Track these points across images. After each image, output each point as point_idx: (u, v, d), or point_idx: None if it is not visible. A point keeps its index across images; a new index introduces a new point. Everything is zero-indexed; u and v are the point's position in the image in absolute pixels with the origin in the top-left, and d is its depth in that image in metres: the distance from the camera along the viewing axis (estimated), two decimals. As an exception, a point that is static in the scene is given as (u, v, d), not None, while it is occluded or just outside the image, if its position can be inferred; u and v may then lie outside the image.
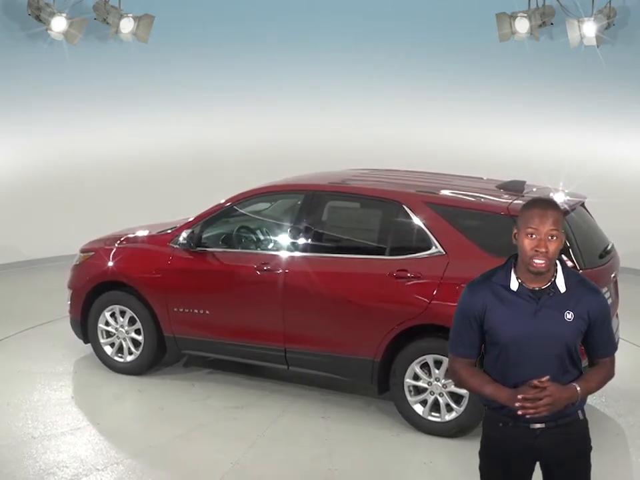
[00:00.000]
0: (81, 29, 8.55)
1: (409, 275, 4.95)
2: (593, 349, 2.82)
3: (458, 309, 2.84)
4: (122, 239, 6.12)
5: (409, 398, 5.01)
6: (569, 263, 4.39)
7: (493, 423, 2.83)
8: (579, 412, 2.81)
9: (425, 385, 4.95)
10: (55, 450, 4.72)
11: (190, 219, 5.80)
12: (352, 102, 9.90)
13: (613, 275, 5.17)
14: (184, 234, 5.63)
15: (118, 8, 8.74)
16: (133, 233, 6.19)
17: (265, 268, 5.34)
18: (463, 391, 4.80)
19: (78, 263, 6.19)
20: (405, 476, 4.64)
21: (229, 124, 9.93)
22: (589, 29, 8.50)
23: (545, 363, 2.68)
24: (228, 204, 5.70)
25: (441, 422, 4.93)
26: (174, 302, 5.64)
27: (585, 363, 2.85)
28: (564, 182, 5.64)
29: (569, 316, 2.70)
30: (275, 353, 5.38)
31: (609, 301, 4.82)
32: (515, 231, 2.74)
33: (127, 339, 5.90)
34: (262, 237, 5.82)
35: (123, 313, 5.90)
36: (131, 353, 5.89)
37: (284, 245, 5.54)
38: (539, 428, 2.75)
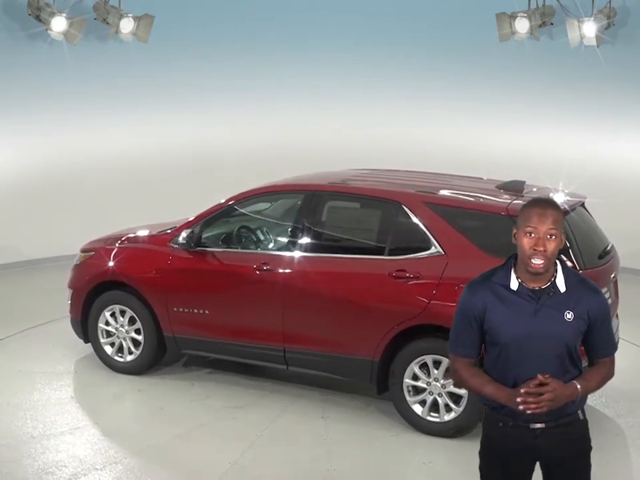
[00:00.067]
0: (81, 29, 8.55)
1: (408, 275, 4.95)
2: (593, 348, 2.82)
3: (458, 308, 2.84)
4: (122, 239, 6.12)
5: (408, 398, 5.01)
6: (568, 264, 4.38)
7: (493, 423, 2.84)
8: (579, 412, 2.81)
9: (424, 385, 4.95)
10: (54, 449, 4.72)
11: (190, 219, 5.81)
12: (352, 102, 9.90)
13: (612, 275, 5.17)
14: (184, 234, 5.63)
15: (118, 8, 8.74)
16: (134, 233, 6.19)
17: (265, 268, 5.34)
18: (462, 391, 4.81)
19: (78, 262, 6.20)
20: (403, 476, 4.64)
21: (229, 124, 9.93)
22: (589, 28, 8.50)
23: (545, 363, 2.68)
24: (228, 204, 5.70)
25: (440, 422, 4.93)
26: (174, 302, 5.64)
27: (584, 363, 2.85)
28: (564, 182, 5.64)
29: (569, 316, 2.70)
30: (274, 352, 5.38)
31: (609, 301, 4.81)
32: (515, 230, 2.74)
33: (127, 339, 5.90)
34: (262, 237, 5.83)
35: (123, 313, 5.90)
36: (131, 353, 5.89)
37: (283, 244, 5.56)
38: (539, 428, 2.75)
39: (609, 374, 2.84)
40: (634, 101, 9.01)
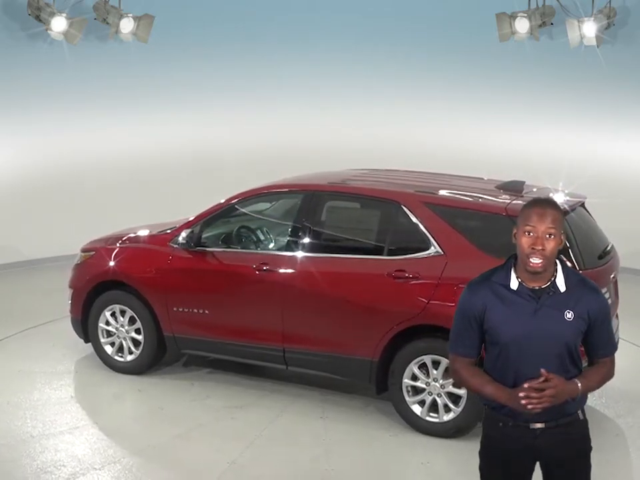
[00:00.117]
0: (81, 29, 8.55)
1: (407, 275, 4.95)
2: (593, 348, 2.82)
3: (458, 308, 2.84)
4: (122, 239, 6.12)
5: (407, 398, 5.01)
6: (568, 264, 4.38)
7: (493, 423, 2.84)
8: (579, 412, 2.81)
9: (423, 386, 4.95)
10: (53, 449, 4.72)
11: (190, 219, 5.81)
12: (352, 102, 9.89)
13: (612, 276, 5.17)
14: (183, 234, 5.63)
15: (118, 8, 8.74)
16: (134, 233, 6.20)
17: (264, 268, 5.34)
18: (461, 392, 4.81)
19: (79, 262, 6.20)
20: (403, 476, 4.64)
21: (229, 124, 9.93)
22: (589, 28, 8.49)
23: (545, 363, 2.67)
24: (227, 204, 5.70)
25: (439, 422, 4.92)
26: (173, 301, 5.64)
27: (584, 363, 2.85)
28: (564, 182, 5.64)
29: (569, 315, 2.70)
30: (274, 352, 5.38)
31: (609, 301, 4.81)
32: (515, 230, 2.74)
33: (127, 339, 5.90)
34: (261, 237, 5.84)
35: (123, 313, 5.90)
36: (131, 353, 5.89)
37: (283, 244, 5.56)
38: (539, 428, 2.75)
39: (609, 374, 2.84)
40: (634, 101, 9.00)
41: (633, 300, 7.20)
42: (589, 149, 9.11)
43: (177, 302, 5.64)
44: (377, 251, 5.18)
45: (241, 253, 5.59)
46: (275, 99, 9.91)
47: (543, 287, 2.72)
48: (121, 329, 5.91)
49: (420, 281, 4.91)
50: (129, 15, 8.78)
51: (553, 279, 2.73)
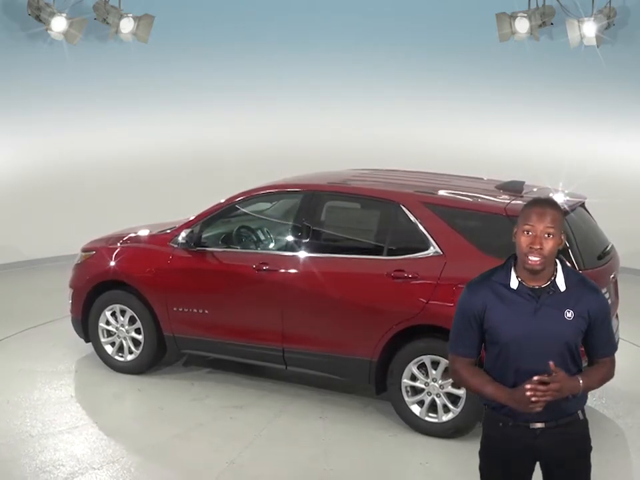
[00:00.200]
0: (81, 29, 8.55)
1: (406, 275, 4.94)
2: (593, 348, 2.82)
3: (458, 308, 2.84)
4: (123, 239, 6.13)
5: (406, 398, 5.00)
6: (568, 264, 4.38)
7: (493, 423, 2.84)
8: (579, 412, 2.81)
9: (422, 386, 4.95)
10: (52, 448, 4.73)
11: (190, 219, 5.81)
12: (352, 102, 9.89)
13: (612, 276, 5.17)
14: (183, 233, 5.64)
15: (118, 8, 8.74)
16: (134, 233, 6.20)
17: (264, 268, 5.34)
18: (460, 392, 4.81)
19: (79, 262, 6.20)
20: (402, 476, 4.63)
21: (229, 124, 9.93)
22: (589, 28, 8.49)
23: (545, 362, 2.67)
24: (227, 204, 5.70)
25: (438, 422, 4.92)
26: (173, 301, 5.65)
27: (584, 363, 2.85)
28: (564, 182, 5.63)
29: (569, 315, 2.70)
30: (273, 352, 5.38)
31: (609, 302, 4.81)
32: (515, 229, 2.74)
33: (127, 338, 5.90)
34: (261, 237, 5.83)
35: (123, 312, 5.90)
36: (131, 352, 5.90)
37: (283, 244, 5.56)
38: (539, 428, 2.75)
39: (609, 374, 2.84)
40: (634, 101, 9.00)
41: (633, 300, 7.19)
42: (588, 149, 9.11)
43: (177, 302, 5.64)
44: (377, 251, 5.18)
45: (241, 253, 5.59)
46: (275, 99, 9.91)
47: (542, 286, 2.72)
48: (121, 328, 5.91)
49: (419, 281, 4.91)
50: (129, 15, 8.78)
51: (552, 278, 2.73)
